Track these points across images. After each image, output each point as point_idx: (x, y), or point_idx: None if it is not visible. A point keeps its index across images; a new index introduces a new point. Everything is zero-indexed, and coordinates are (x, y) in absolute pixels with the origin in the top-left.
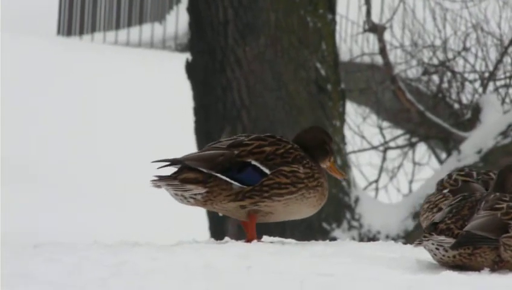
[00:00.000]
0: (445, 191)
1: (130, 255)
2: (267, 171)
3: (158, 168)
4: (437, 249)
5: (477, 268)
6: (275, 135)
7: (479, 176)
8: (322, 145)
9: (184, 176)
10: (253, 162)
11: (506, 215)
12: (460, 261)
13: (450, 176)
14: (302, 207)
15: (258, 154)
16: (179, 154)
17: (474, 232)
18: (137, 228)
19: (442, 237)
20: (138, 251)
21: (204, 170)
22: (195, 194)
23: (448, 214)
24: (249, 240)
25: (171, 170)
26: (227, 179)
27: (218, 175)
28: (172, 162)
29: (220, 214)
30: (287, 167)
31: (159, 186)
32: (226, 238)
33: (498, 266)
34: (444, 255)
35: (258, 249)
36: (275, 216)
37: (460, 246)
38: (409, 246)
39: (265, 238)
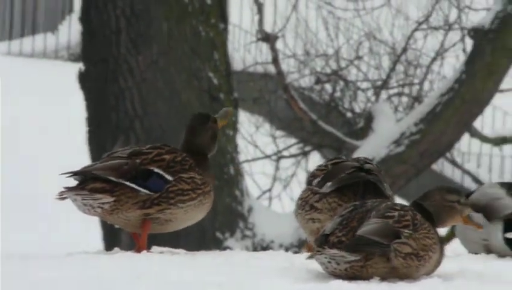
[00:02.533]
0: (315, 181)
1: (21, 266)
2: (170, 178)
3: (67, 177)
4: (329, 262)
5: (367, 278)
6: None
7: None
8: (214, 135)
9: (91, 186)
10: (156, 170)
11: (398, 223)
12: (352, 274)
13: (319, 166)
14: (198, 213)
15: (160, 162)
16: (72, 167)
17: (366, 237)
18: (30, 239)
19: (334, 251)
20: (29, 262)
21: (114, 179)
22: (103, 203)
23: (339, 225)
24: (138, 250)
25: (74, 183)
26: (136, 187)
27: (128, 183)
28: (80, 173)
29: (116, 226)
30: (186, 174)
31: (63, 198)
32: (116, 249)
33: (389, 276)
34: (335, 268)
35: (147, 260)
36: (173, 224)
37: (352, 250)
38: (299, 255)
39: (154, 248)
